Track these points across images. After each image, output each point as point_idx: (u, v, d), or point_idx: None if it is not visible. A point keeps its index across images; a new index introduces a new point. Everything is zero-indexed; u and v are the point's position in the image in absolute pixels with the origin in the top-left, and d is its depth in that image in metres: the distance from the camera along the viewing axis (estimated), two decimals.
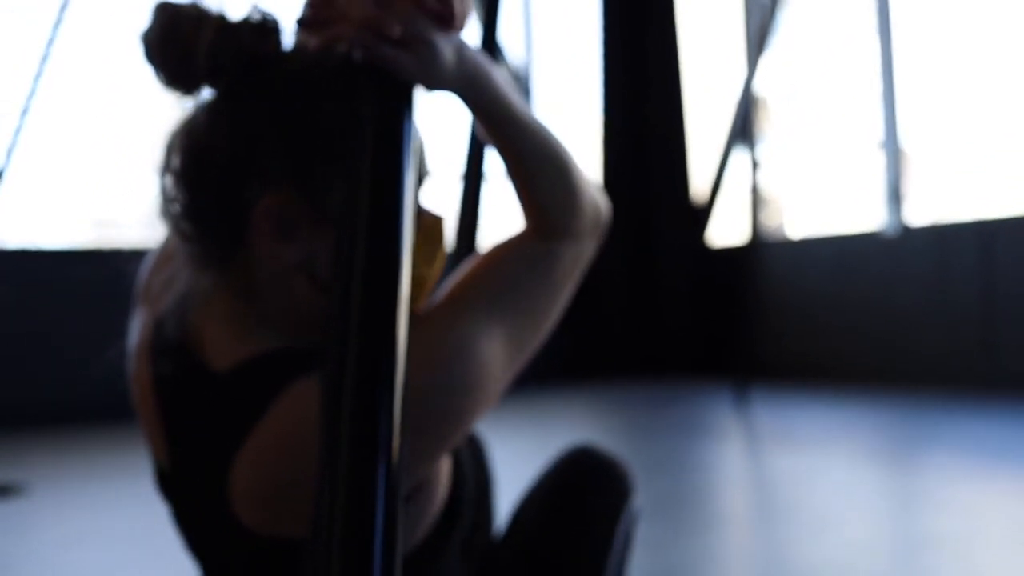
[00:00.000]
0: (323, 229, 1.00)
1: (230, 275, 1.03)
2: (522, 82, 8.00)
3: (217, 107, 1.01)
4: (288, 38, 1.03)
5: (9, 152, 4.07)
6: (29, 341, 5.59)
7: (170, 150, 1.02)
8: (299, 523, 0.93)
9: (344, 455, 0.72)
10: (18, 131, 4.06)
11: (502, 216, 8.17)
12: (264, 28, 1.01)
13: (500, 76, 1.02)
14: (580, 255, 1.16)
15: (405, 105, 0.86)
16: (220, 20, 0.99)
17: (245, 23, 1.00)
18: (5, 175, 4.06)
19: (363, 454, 0.72)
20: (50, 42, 3.93)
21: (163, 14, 0.98)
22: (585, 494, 1.38)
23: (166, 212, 1.03)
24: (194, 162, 1.01)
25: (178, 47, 0.97)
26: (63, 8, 3.89)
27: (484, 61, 1.00)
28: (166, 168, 1.02)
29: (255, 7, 1.02)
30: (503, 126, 1.06)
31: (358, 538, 0.70)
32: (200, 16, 0.98)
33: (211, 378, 1.02)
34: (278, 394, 0.96)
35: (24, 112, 4.04)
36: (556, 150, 1.11)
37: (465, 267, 1.09)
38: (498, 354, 1.03)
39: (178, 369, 1.04)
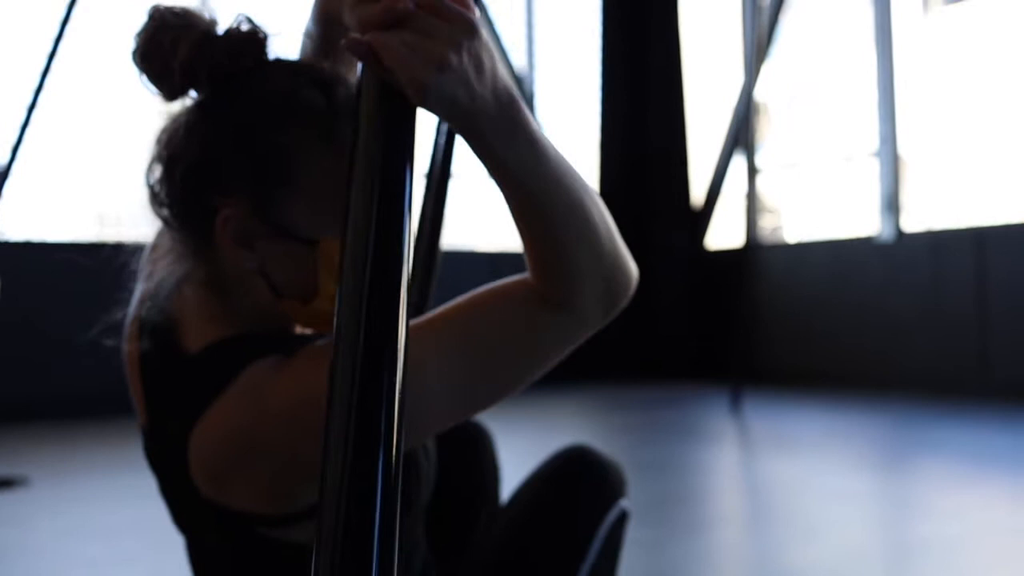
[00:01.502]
0: (276, 242, 1.05)
1: (203, 267, 1.09)
2: (523, 87, 8.03)
3: (193, 115, 1.07)
4: (273, 48, 1.08)
5: (15, 147, 4.10)
6: (31, 335, 5.62)
7: (156, 144, 1.08)
8: (244, 496, 1.03)
9: (348, 445, 0.75)
10: (24, 126, 4.08)
11: (468, 216, 8.20)
12: (243, 42, 1.05)
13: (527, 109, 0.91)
14: (580, 333, 1.07)
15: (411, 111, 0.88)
16: (200, 33, 1.03)
17: (224, 37, 1.04)
18: (12, 170, 4.09)
19: (364, 445, 0.76)
20: (57, 39, 3.96)
21: (151, 20, 1.04)
22: (572, 490, 1.41)
23: (152, 201, 1.10)
24: (169, 163, 1.07)
25: (158, 57, 1.03)
26: (71, 4, 3.91)
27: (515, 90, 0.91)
28: (152, 160, 1.09)
29: (244, 17, 1.06)
30: (530, 172, 0.94)
31: (358, 529, 0.73)
32: (184, 25, 1.03)
33: (182, 357, 1.09)
34: (235, 376, 1.03)
35: (31, 107, 4.06)
36: (590, 208, 1.00)
37: (464, 298, 1.06)
38: (441, 400, 1.01)
39: (156, 347, 1.12)
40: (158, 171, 1.08)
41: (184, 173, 1.05)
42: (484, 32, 0.84)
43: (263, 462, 1.01)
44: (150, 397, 1.14)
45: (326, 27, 1.18)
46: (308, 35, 1.17)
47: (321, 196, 1.04)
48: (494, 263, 7.84)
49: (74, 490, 3.74)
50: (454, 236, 8.11)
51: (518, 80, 8.00)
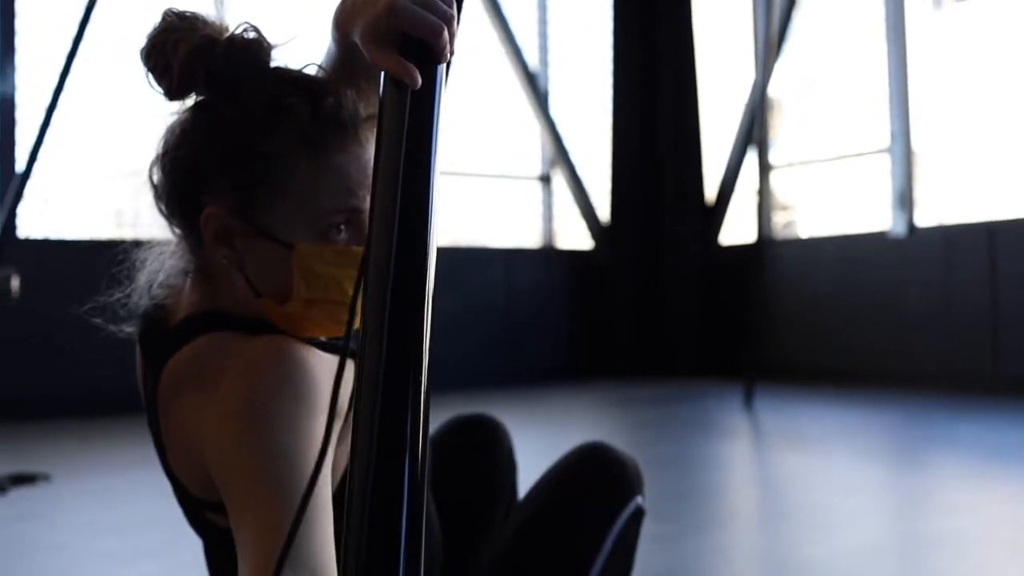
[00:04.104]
0: (255, 242, 1.09)
1: (195, 258, 1.15)
2: (537, 84, 8.06)
3: (188, 115, 1.12)
4: (278, 58, 1.13)
5: (35, 148, 4.13)
6: (50, 334, 5.68)
7: (159, 142, 1.14)
8: (182, 469, 1.07)
9: (375, 435, 0.78)
10: (44, 127, 4.12)
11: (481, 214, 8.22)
12: (243, 49, 1.10)
13: None
14: None
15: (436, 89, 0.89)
16: (201, 37, 1.08)
17: (225, 43, 1.09)
18: (32, 171, 4.13)
19: (391, 437, 0.78)
20: (76, 39, 3.99)
21: (161, 22, 1.09)
22: (587, 486, 1.44)
23: (154, 196, 1.15)
24: (163, 160, 1.13)
25: (161, 57, 1.08)
26: (90, 5, 3.94)
27: None
28: (154, 158, 1.14)
29: (250, 26, 1.11)
30: None
31: (385, 521, 0.76)
32: (188, 28, 1.08)
33: (164, 335, 1.14)
34: (194, 338, 1.09)
35: (50, 108, 4.10)
36: None
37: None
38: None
39: (149, 329, 1.17)
40: (157, 168, 1.13)
41: (174, 170, 1.11)
42: None
43: (185, 432, 1.05)
44: (145, 380, 1.18)
45: (342, 44, 1.20)
46: (326, 56, 1.20)
47: (300, 201, 1.08)
48: (507, 260, 7.86)
49: (94, 486, 3.79)
50: (467, 234, 8.14)
51: (532, 77, 8.03)
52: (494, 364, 7.41)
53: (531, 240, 8.28)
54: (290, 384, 0.98)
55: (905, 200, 6.86)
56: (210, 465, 1.00)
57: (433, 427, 1.74)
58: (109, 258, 1.21)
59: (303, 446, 0.94)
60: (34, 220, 6.01)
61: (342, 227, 1.10)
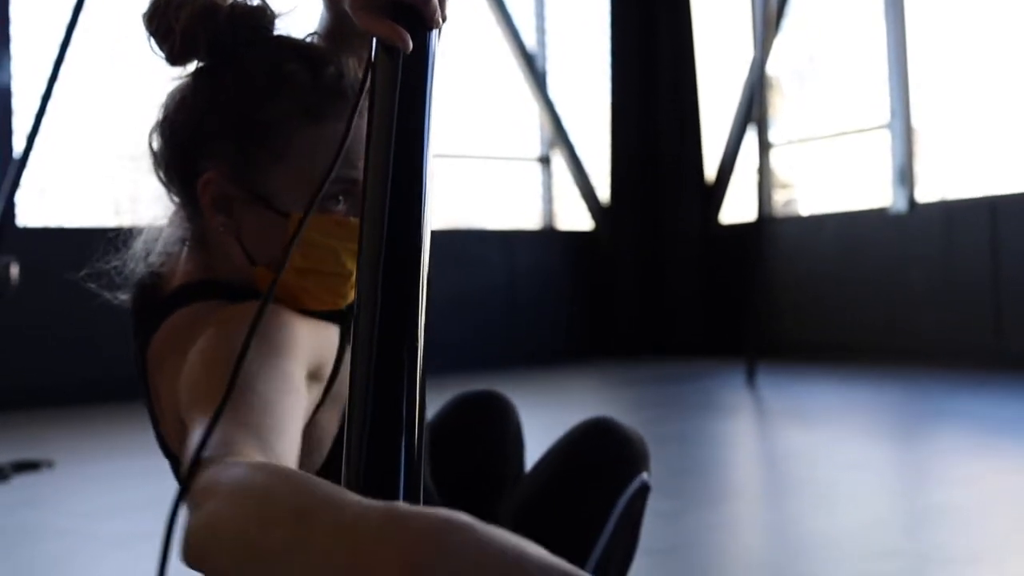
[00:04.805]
0: (252, 208, 1.09)
1: (192, 226, 1.14)
2: (535, 66, 8.04)
3: (189, 81, 1.11)
4: (281, 26, 1.12)
5: (31, 135, 4.12)
6: (51, 322, 5.68)
7: (159, 109, 1.13)
8: (171, 435, 1.05)
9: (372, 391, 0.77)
10: (40, 114, 4.10)
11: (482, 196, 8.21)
12: (245, 16, 1.09)
13: None
14: None
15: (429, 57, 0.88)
16: (204, 4, 1.07)
17: (227, 9, 1.08)
18: (29, 158, 4.12)
19: (389, 398, 0.78)
20: (71, 24, 3.97)
21: None
22: (591, 461, 1.42)
23: (153, 163, 1.14)
24: (163, 125, 1.12)
25: (163, 21, 1.07)
26: None
27: None
28: (154, 124, 1.13)
29: None
30: None
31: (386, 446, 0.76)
32: None
33: (158, 302, 1.13)
34: (182, 306, 1.08)
35: (46, 96, 4.09)
36: None
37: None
38: None
39: (143, 297, 1.16)
40: (157, 134, 1.13)
41: (173, 135, 1.10)
42: None
43: (172, 397, 1.01)
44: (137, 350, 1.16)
45: (334, 12, 1.19)
46: (320, 23, 1.19)
47: (298, 170, 1.07)
48: (507, 242, 7.86)
49: (97, 472, 3.80)
50: (467, 216, 8.13)
51: (529, 59, 8.01)
52: (495, 346, 7.41)
53: (531, 222, 8.27)
54: (264, 332, 0.93)
55: (906, 176, 6.84)
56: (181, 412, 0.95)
57: (441, 404, 1.73)
58: (112, 247, 1.20)
59: (264, 373, 0.88)
60: (33, 209, 6.01)
61: (340, 198, 1.09)
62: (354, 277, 1.09)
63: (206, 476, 0.72)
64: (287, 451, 0.83)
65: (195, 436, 0.78)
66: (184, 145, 1.10)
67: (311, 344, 1.03)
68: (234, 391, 0.81)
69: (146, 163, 1.15)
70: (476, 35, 7.89)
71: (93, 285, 1.17)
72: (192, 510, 0.69)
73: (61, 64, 4.08)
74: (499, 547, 0.58)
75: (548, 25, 8.24)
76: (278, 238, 1.06)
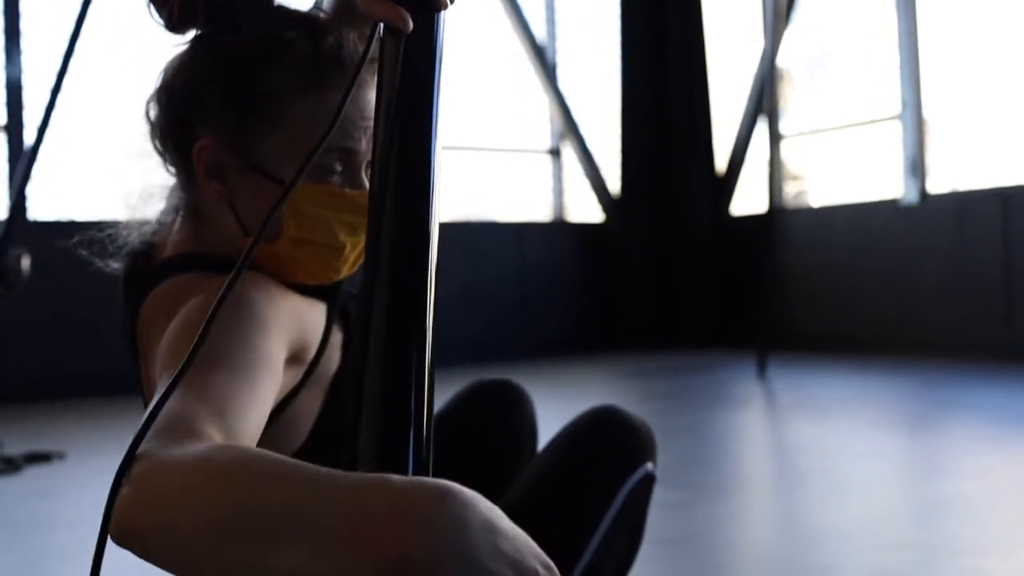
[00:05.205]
0: (247, 176, 1.08)
1: (187, 195, 1.14)
2: (545, 57, 8.02)
3: (187, 48, 1.11)
4: None
5: (42, 129, 4.13)
6: (62, 315, 5.71)
7: (157, 77, 1.13)
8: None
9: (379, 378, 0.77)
10: (50, 108, 4.11)
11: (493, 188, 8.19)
12: None
13: None
14: None
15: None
16: None
17: None
18: (39, 150, 4.13)
19: (397, 382, 0.77)
20: (79, 20, 3.98)
21: None
22: (593, 450, 1.39)
23: (149, 133, 1.14)
24: (160, 92, 1.12)
25: None
26: None
27: None
28: (151, 93, 1.13)
29: None
30: None
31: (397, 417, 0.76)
32: None
33: (148, 273, 1.12)
34: (169, 278, 1.07)
35: (56, 90, 4.09)
36: None
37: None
38: None
39: (134, 267, 1.15)
40: (154, 102, 1.12)
41: (170, 101, 1.10)
42: None
43: (152, 364, 1.00)
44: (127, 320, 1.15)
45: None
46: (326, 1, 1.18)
47: (295, 138, 1.06)
48: (518, 234, 7.85)
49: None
50: (477, 208, 8.13)
51: (540, 50, 7.99)
52: (506, 338, 7.41)
53: (542, 214, 8.26)
54: (243, 300, 0.93)
55: (917, 167, 6.81)
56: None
57: (453, 392, 1.72)
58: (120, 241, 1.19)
59: (241, 347, 0.87)
60: (43, 203, 6.02)
61: (337, 168, 1.08)
62: (346, 251, 1.09)
63: (155, 452, 0.71)
64: (247, 432, 0.81)
65: (152, 402, 0.77)
66: (181, 112, 1.09)
67: (296, 322, 1.02)
68: (207, 364, 0.80)
69: (155, 159, 1.15)
70: (486, 27, 7.87)
71: (85, 252, 1.16)
72: (134, 484, 0.68)
73: (70, 58, 4.09)
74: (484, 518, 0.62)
75: (558, 17, 8.22)
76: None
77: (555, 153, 8.30)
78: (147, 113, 1.13)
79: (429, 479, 0.64)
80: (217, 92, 1.07)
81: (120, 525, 0.68)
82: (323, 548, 0.61)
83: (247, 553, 0.63)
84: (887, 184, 7.15)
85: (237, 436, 0.79)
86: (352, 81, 0.86)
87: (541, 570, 0.65)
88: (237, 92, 1.07)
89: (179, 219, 1.15)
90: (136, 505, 0.68)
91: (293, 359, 1.02)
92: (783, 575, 2.19)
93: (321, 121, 1.03)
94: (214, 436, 0.76)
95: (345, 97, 0.85)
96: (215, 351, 0.83)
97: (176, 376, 0.76)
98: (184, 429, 0.74)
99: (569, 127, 8.11)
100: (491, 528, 0.63)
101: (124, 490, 0.69)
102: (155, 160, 1.15)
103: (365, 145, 1.08)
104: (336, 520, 0.61)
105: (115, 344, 1.39)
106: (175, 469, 0.68)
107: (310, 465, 0.66)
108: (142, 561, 0.69)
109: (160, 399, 0.75)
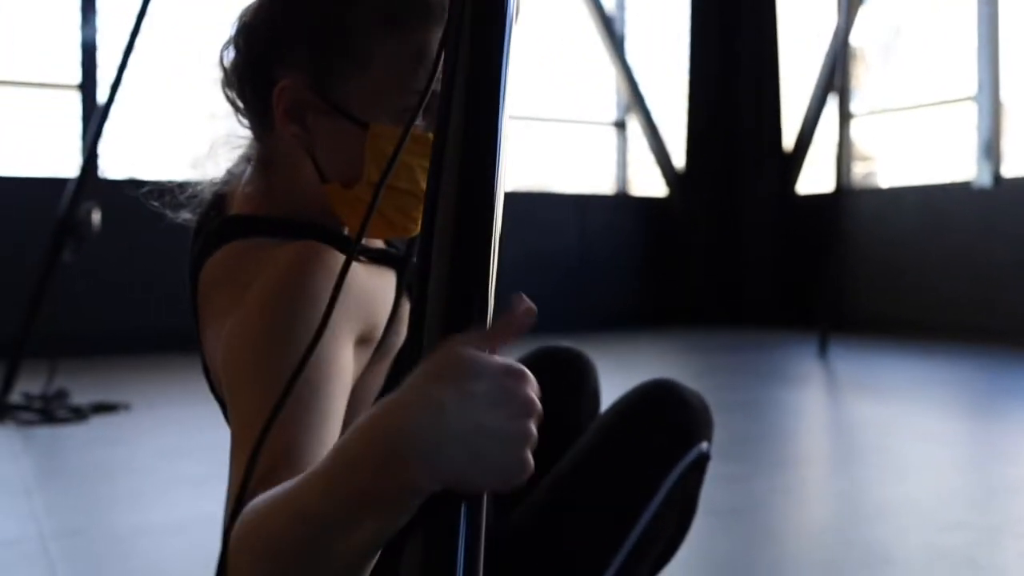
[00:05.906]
0: (328, 119, 1.04)
1: (260, 144, 1.10)
2: (614, 29, 7.97)
3: None
4: None
5: (114, 88, 4.20)
6: (132, 272, 5.82)
7: (234, 23, 1.10)
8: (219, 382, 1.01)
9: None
10: (122, 68, 4.18)
11: (554, 159, 8.17)
12: None
13: None
14: None
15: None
16: None
17: None
18: (111, 109, 4.20)
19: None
20: None
21: None
22: (645, 427, 1.35)
23: (224, 84, 1.11)
24: (239, 37, 1.08)
25: None
26: None
27: None
28: (227, 41, 1.10)
29: None
30: None
31: None
32: None
33: (214, 225, 1.10)
34: (232, 240, 1.05)
35: (128, 50, 4.16)
36: None
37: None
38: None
39: (203, 221, 1.13)
40: (231, 47, 1.09)
41: (248, 43, 1.07)
42: None
43: (217, 338, 0.99)
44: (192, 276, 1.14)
45: None
46: None
47: (378, 79, 1.03)
48: (580, 206, 7.83)
49: (172, 415, 3.88)
50: (541, 179, 8.12)
51: (608, 22, 7.94)
52: (566, 308, 7.41)
53: (605, 187, 8.23)
54: (308, 295, 0.91)
55: (992, 150, 6.67)
56: (220, 370, 0.95)
57: (516, 358, 1.70)
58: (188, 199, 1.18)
59: (301, 349, 0.84)
60: (114, 162, 6.13)
61: (420, 111, 1.05)
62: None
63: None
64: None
65: (234, 479, 0.79)
66: (261, 53, 1.06)
67: (365, 304, 1.00)
68: (285, 410, 0.79)
69: (227, 119, 1.12)
70: None
71: (156, 204, 1.14)
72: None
73: (143, 18, 4.15)
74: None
75: None
76: (353, 151, 1.03)
77: (620, 126, 8.25)
78: (221, 62, 1.10)
79: (391, 399, 0.66)
80: (298, 31, 1.04)
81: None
82: (371, 507, 0.64)
83: (335, 540, 0.65)
84: (959, 166, 7.01)
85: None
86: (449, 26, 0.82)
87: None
88: (319, 30, 1.03)
89: (249, 170, 1.12)
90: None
91: (362, 341, 0.99)
92: (838, 550, 2.17)
93: (407, 62, 1.01)
94: None
95: (443, 44, 0.81)
96: (286, 372, 0.81)
97: (252, 458, 0.77)
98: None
99: (635, 100, 8.05)
100: (466, 391, 0.66)
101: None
102: (226, 120, 1.13)
103: None
104: (357, 476, 0.64)
105: (179, 302, 1.39)
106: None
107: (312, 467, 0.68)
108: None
109: (250, 461, 0.77)
